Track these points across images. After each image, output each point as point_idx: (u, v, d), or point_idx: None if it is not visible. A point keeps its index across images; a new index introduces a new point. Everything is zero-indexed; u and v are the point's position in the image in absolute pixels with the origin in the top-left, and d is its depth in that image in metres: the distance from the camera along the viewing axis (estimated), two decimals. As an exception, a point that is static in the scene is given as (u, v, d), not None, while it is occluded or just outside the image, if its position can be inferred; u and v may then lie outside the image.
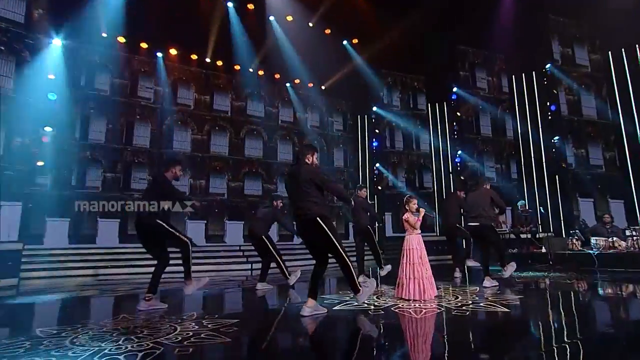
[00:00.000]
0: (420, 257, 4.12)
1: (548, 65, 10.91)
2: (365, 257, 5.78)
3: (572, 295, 4.36)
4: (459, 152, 12.72)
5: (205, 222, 11.96)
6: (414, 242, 4.17)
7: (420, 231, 4.28)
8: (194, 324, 3.18)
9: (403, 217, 4.28)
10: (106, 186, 11.07)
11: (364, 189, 5.67)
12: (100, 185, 10.90)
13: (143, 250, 3.94)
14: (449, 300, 3.85)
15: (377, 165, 13.79)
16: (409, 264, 4.08)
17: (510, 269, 5.05)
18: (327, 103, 15.52)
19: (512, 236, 9.27)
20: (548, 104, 10.77)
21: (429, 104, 14.57)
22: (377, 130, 14.10)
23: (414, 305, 3.65)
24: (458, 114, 13.02)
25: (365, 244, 5.71)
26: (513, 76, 11.86)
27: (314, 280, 3.42)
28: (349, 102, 15.91)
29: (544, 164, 10.79)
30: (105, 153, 11.18)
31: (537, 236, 8.91)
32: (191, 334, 2.86)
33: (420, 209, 4.27)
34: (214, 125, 13.47)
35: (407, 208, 4.31)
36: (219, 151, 13.49)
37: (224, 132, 13.63)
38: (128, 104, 11.80)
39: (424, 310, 3.40)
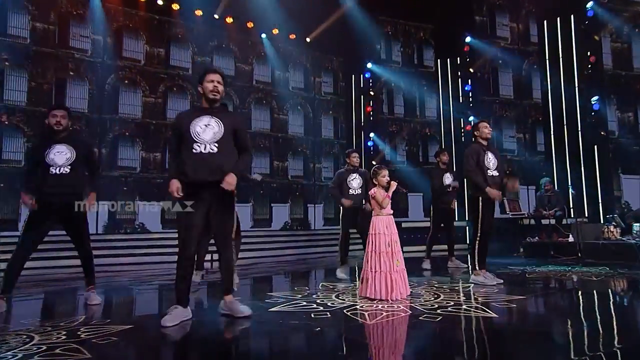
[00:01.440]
0: (388, 245, 3.86)
1: (590, 4, 10.23)
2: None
3: (598, 296, 4.07)
4: (471, 118, 12.18)
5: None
6: (381, 226, 3.95)
7: (391, 211, 4.04)
8: (64, 332, 2.90)
9: (369, 193, 4.05)
10: (33, 159, 10.64)
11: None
12: (24, 158, 10.46)
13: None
14: (425, 301, 3.67)
15: (372, 135, 13.43)
16: (375, 253, 3.89)
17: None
18: (313, 59, 15.07)
19: (532, 222, 9.03)
20: (589, 53, 10.12)
21: (438, 60, 14.12)
22: (371, 93, 13.60)
23: (377, 306, 3.45)
24: (471, 70, 12.47)
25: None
26: (545, 21, 11.22)
27: None
28: (340, 59, 15.45)
29: (579, 132, 10.38)
30: (29, 118, 10.70)
31: (564, 222, 8.68)
32: (44, 347, 2.52)
33: (392, 182, 4.00)
34: (171, 85, 12.98)
35: (376, 182, 4.06)
36: None
37: (183, 94, 13.17)
38: (56, 56, 11.21)
39: (383, 314, 3.18)
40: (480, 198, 4.40)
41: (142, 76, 12.46)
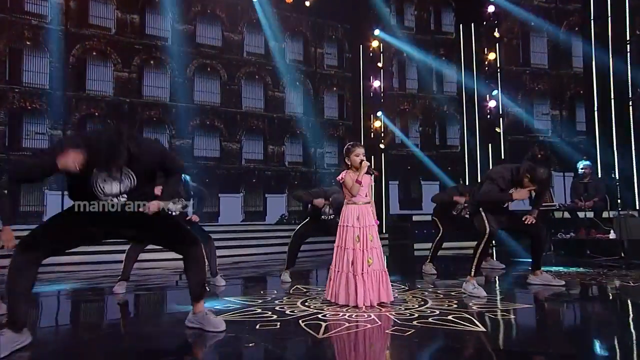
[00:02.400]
0: (357, 240, 3.61)
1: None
2: None
3: (635, 309, 3.70)
4: (495, 92, 11.71)
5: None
6: (351, 217, 3.68)
7: (368, 199, 3.77)
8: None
9: (337, 178, 3.79)
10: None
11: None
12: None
13: None
14: (407, 309, 3.49)
15: (380, 114, 13.08)
16: (340, 249, 3.67)
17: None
18: (314, 27, 14.75)
19: (566, 214, 8.51)
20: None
21: (459, 24, 13.60)
22: (379, 65, 13.21)
23: (342, 315, 3.28)
24: (498, 35, 11.94)
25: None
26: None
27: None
28: (345, 26, 15.06)
29: (630, 107, 9.78)
30: (-21, 95, 10.66)
31: (605, 215, 8.17)
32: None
33: (363, 162, 3.67)
34: (147, 58, 12.78)
35: (348, 162, 3.73)
36: (155, 95, 12.92)
37: (162, 69, 13.00)
38: (10, 22, 11.03)
39: (343, 326, 2.99)
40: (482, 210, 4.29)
41: (113, 47, 12.28)
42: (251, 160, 13.90)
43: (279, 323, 3.07)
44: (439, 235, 5.93)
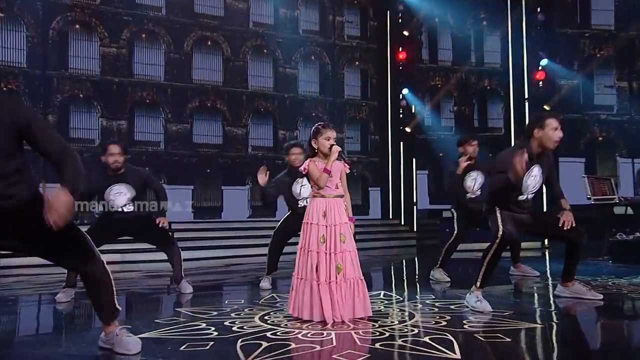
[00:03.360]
0: (323, 241, 3.46)
1: None
2: None
3: None
4: (544, 61, 11.17)
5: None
6: (316, 212, 3.54)
7: (340, 191, 3.62)
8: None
9: (300, 168, 3.71)
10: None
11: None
12: None
13: None
14: (383, 325, 3.34)
15: (405, 92, 12.65)
16: (304, 251, 3.55)
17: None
18: None
19: (629, 210, 8.15)
20: None
21: None
22: (405, 33, 12.77)
23: (297, 333, 3.17)
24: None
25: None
26: None
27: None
28: (369, -12, 14.63)
29: None
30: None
31: None
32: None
33: (334, 147, 3.51)
34: (138, 31, 12.68)
35: (315, 146, 3.58)
36: (148, 74, 12.73)
37: (156, 43, 12.83)
38: (-21, -7, 11.20)
39: (287, 347, 2.91)
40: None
41: (99, 19, 12.18)
42: (259, 147, 13.67)
43: (211, 343, 2.96)
44: (453, 235, 5.61)
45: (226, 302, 4.50)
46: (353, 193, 14.12)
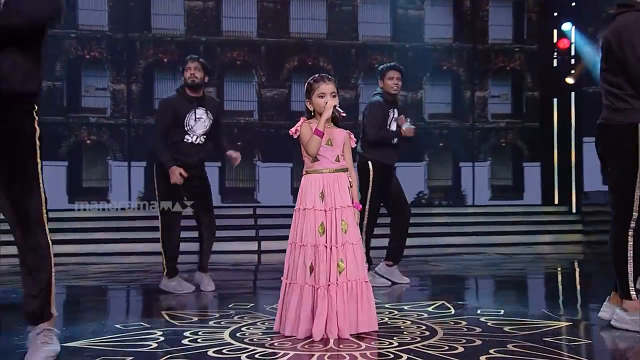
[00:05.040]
0: (322, 232, 3.05)
1: None
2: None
3: None
4: None
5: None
6: (311, 193, 3.11)
7: (345, 164, 3.23)
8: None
9: (291, 130, 3.29)
10: None
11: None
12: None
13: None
14: (385, 347, 2.83)
15: (569, 26, 9.83)
16: (297, 247, 3.12)
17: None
18: None
19: None
20: None
21: None
22: None
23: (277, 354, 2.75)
24: None
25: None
26: None
27: None
28: None
29: None
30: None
31: None
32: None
33: (328, 103, 3.07)
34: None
35: (310, 107, 3.23)
36: (238, 29, 11.40)
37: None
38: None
39: None
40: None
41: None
42: None
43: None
44: None
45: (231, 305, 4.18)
46: (500, 170, 11.63)
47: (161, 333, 3.23)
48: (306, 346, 2.80)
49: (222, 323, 3.50)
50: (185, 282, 4.78)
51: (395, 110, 5.19)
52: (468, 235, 9.62)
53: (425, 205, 11.02)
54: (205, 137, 4.67)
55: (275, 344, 2.89)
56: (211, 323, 3.51)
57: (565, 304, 4.52)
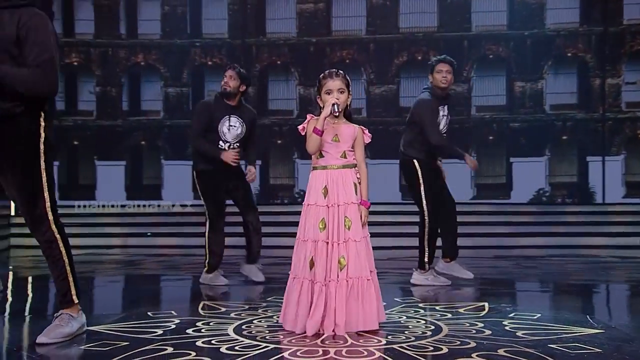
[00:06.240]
0: (322, 226, 3.04)
1: None
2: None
3: None
4: None
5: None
6: (315, 189, 3.13)
7: (351, 161, 3.20)
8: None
9: (299, 128, 3.35)
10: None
11: None
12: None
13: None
14: (383, 346, 2.77)
15: None
16: (301, 243, 3.14)
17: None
18: None
19: None
20: None
21: None
22: None
23: (271, 348, 2.70)
24: None
25: None
26: None
27: None
28: None
29: None
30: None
31: None
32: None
33: (330, 98, 3.11)
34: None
35: (320, 103, 3.22)
36: (348, 28, 11.47)
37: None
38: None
39: None
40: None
41: (294, -27, 11.56)
42: (485, 107, 10.97)
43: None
44: None
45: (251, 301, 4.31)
46: (637, 164, 10.88)
47: (178, 321, 3.35)
48: (293, 341, 2.80)
49: (240, 315, 3.55)
50: (222, 277, 4.96)
51: (446, 107, 4.93)
52: (599, 235, 9.12)
53: (546, 203, 10.43)
54: (238, 144, 4.77)
55: (267, 338, 2.91)
56: (233, 315, 3.56)
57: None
